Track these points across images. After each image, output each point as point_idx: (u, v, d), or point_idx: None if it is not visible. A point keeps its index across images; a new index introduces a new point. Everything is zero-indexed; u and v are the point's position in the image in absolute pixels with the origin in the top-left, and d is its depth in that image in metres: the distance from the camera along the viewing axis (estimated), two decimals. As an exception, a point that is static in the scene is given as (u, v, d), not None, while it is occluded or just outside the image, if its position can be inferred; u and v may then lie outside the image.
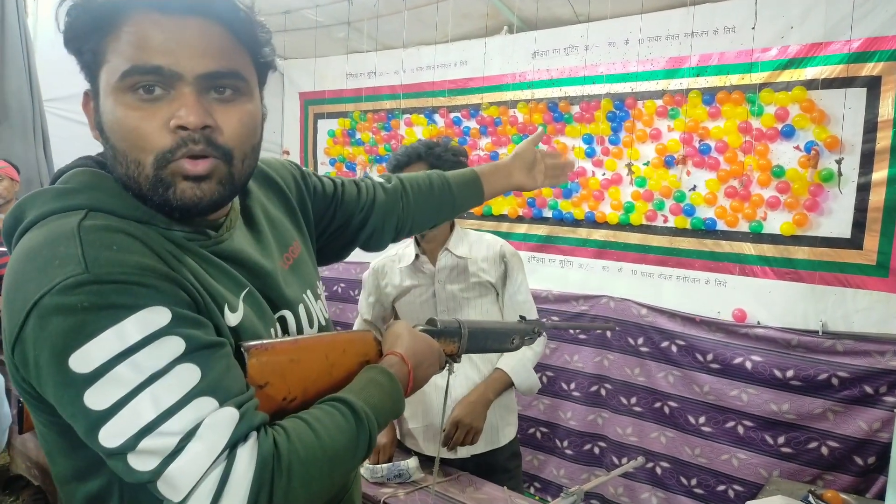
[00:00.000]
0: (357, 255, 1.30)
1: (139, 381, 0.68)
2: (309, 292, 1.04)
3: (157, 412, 0.68)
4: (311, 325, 1.00)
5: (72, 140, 3.82)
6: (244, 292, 0.88)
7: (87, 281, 0.69)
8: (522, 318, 1.39)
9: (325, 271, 4.06)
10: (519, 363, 1.95)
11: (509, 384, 1.95)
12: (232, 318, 0.83)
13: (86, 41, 0.78)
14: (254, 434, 0.73)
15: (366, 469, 1.82)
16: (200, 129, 0.77)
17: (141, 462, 0.68)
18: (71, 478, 0.83)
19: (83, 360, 0.67)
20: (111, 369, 0.67)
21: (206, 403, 0.71)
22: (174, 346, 0.70)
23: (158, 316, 0.70)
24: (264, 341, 0.84)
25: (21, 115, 3.68)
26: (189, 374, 0.71)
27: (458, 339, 1.15)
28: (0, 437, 1.82)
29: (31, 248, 0.74)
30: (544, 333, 2.02)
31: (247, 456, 0.71)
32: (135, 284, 0.70)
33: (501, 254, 1.99)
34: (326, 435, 0.78)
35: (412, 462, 1.84)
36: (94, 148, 0.97)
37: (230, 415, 0.71)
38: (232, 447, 0.70)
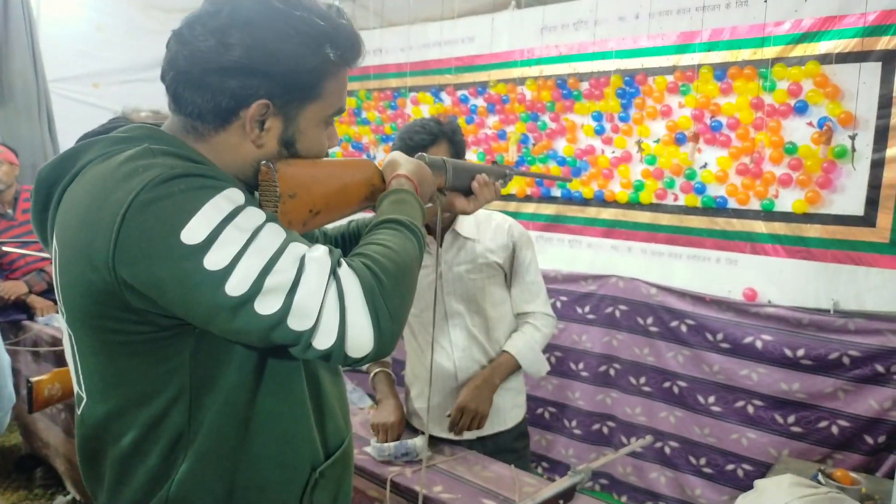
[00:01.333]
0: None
1: (246, 238, 0.80)
2: None
3: (268, 256, 0.80)
4: None
5: (76, 121, 3.81)
6: None
7: (177, 174, 0.80)
8: (494, 162, 1.42)
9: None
10: (526, 346, 1.93)
11: (516, 367, 1.93)
12: None
13: (319, 75, 0.93)
14: (343, 260, 0.86)
15: (373, 448, 1.82)
16: None
17: (268, 304, 0.78)
18: (131, 406, 0.90)
19: (194, 232, 0.77)
20: (221, 233, 0.78)
21: (299, 246, 0.84)
22: (257, 213, 0.84)
23: (237, 194, 0.84)
24: (282, 159, 0.96)
25: (25, 95, 3.68)
26: (277, 230, 0.84)
27: (444, 173, 1.26)
28: (2, 418, 1.82)
29: (106, 171, 0.84)
30: (554, 315, 2.01)
31: (347, 273, 0.84)
32: (212, 176, 0.84)
33: (510, 234, 1.96)
34: (394, 244, 0.91)
35: (419, 441, 1.83)
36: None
37: (322, 249, 0.85)
38: (333, 272, 0.83)
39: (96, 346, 0.90)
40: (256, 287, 0.78)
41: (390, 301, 0.84)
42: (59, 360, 2.73)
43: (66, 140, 3.74)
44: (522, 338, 1.95)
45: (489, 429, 1.93)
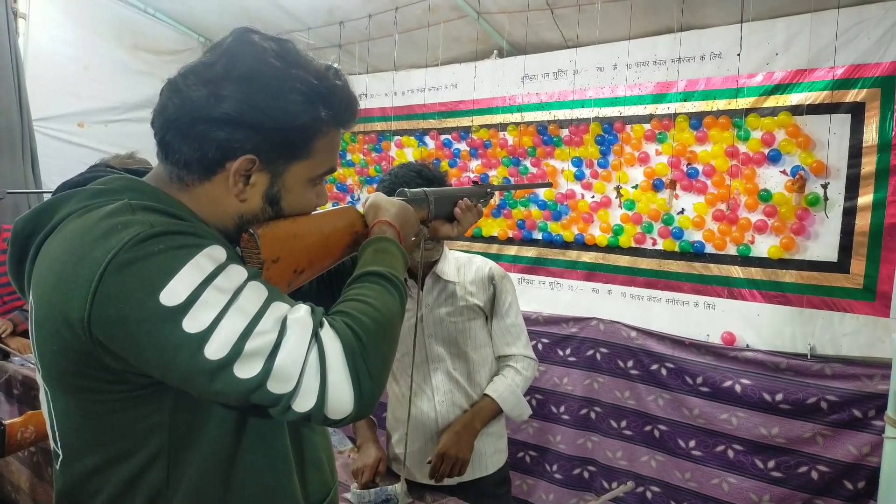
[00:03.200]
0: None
1: (226, 300, 0.78)
2: None
3: (248, 318, 0.78)
4: None
5: (61, 160, 3.80)
6: None
7: (157, 233, 0.79)
8: (475, 182, 1.45)
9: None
10: (507, 389, 1.93)
11: (498, 411, 1.93)
12: None
13: (309, 134, 0.92)
14: (325, 320, 0.84)
15: (353, 494, 1.79)
16: None
17: (247, 368, 0.77)
18: (108, 464, 0.88)
19: (173, 294, 0.76)
20: (201, 294, 0.77)
21: (282, 306, 0.82)
22: (238, 272, 0.82)
23: (219, 252, 0.82)
24: (263, 223, 0.94)
25: (10, 133, 3.66)
26: (259, 289, 0.82)
27: (426, 206, 1.26)
28: None
29: (84, 227, 0.82)
30: (535, 358, 2.02)
31: (329, 336, 0.82)
32: (193, 233, 0.83)
33: (490, 276, 1.98)
34: (376, 302, 0.90)
35: (400, 487, 1.81)
36: (83, 168, 0.99)
37: (304, 309, 0.84)
38: (315, 334, 0.81)
39: (72, 404, 0.87)
40: (236, 351, 0.76)
41: (371, 362, 0.83)
42: (34, 401, 2.68)
43: (50, 179, 3.72)
44: (504, 381, 1.95)
45: (470, 475, 1.92)
